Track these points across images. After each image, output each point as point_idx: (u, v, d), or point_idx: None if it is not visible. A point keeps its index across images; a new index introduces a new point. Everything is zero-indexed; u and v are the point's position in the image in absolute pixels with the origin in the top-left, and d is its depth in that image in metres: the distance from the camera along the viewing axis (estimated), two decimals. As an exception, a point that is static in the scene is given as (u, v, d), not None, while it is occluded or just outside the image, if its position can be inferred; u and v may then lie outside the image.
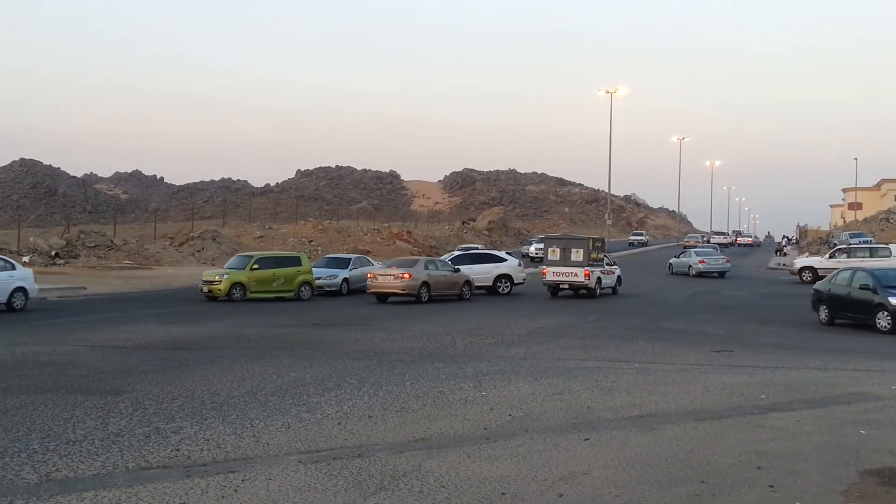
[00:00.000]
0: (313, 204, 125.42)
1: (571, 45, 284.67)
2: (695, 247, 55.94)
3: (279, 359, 13.40)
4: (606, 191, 67.44)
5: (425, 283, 26.20)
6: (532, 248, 53.33)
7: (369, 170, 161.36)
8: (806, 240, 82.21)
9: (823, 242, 55.59)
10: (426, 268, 27.05)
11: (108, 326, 18.34)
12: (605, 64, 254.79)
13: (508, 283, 30.38)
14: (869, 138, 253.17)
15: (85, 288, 29.15)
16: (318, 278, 29.26)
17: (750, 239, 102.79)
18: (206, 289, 26.51)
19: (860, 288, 19.25)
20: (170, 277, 35.47)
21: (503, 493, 6.32)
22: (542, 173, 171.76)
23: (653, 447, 7.77)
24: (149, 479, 6.62)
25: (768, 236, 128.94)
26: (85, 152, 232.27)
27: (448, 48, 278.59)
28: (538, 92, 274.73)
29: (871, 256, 36.24)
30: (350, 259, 31.94)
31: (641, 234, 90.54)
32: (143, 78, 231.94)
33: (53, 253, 40.00)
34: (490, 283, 30.04)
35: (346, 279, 29.88)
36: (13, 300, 21.87)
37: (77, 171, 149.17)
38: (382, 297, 26.52)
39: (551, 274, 29.35)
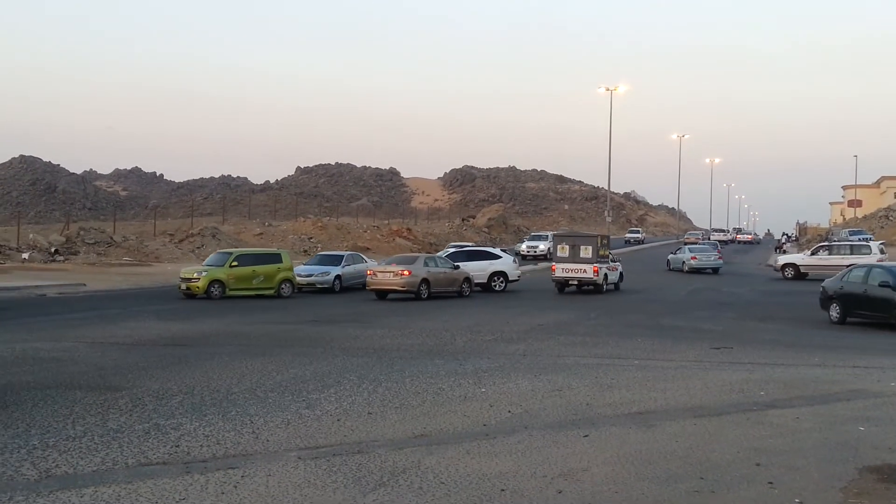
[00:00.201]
0: (313, 201, 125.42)
1: (572, 42, 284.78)
2: (695, 243, 56.51)
3: (278, 355, 13.41)
4: (606, 188, 67.36)
5: (425, 280, 26.20)
6: (524, 246, 52.80)
7: (369, 167, 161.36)
8: (806, 237, 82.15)
9: (823, 240, 55.85)
10: (426, 265, 27.03)
11: (108, 323, 18.36)
12: (606, 61, 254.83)
13: (503, 281, 30.42)
14: (869, 135, 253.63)
15: (85, 284, 29.17)
16: (311, 275, 29.09)
17: (750, 236, 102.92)
18: (183, 286, 25.98)
19: (879, 285, 18.86)
20: (169, 274, 35.33)
21: (502, 490, 6.33)
22: (541, 170, 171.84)
23: (652, 444, 7.77)
24: (148, 475, 6.63)
25: (768, 234, 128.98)
26: (84, 149, 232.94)
27: (448, 45, 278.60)
28: (538, 89, 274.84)
29: (851, 253, 36.93)
30: (343, 256, 31.51)
31: (637, 232, 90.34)
32: (142, 74, 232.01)
33: (53, 250, 39.98)
34: (485, 281, 30.05)
35: (338, 276, 29.51)
36: None
37: (77, 167, 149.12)
38: (382, 294, 26.51)
39: (560, 270, 29.70)
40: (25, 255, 37.48)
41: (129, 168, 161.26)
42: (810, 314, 21.83)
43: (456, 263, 28.80)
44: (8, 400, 9.48)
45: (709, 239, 76.31)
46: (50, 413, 8.85)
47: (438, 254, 33.95)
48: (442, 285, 27.06)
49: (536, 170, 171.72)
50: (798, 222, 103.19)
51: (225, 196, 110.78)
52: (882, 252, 37.14)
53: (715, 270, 43.75)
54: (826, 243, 43.90)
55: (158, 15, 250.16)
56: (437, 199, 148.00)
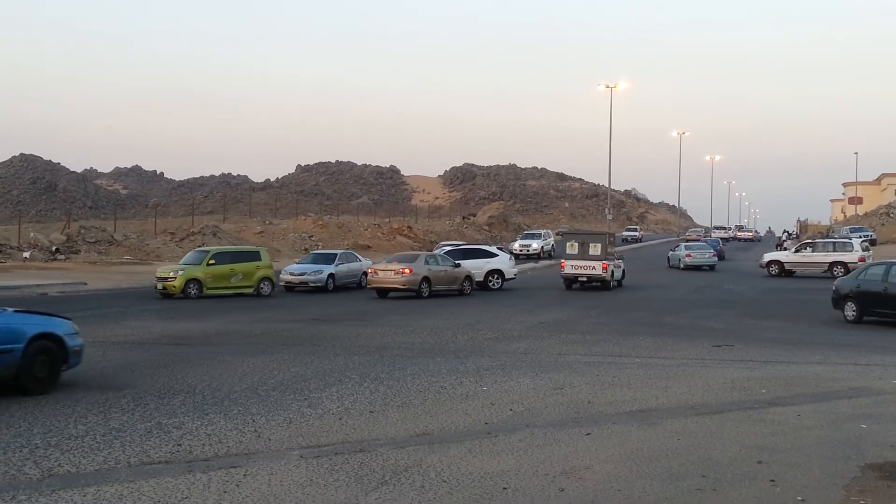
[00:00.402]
0: (313, 199, 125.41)
1: (572, 40, 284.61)
2: (697, 240, 57.01)
3: (280, 354, 13.42)
4: (607, 185, 67.38)
5: (426, 279, 26.20)
6: (517, 245, 52.52)
7: (369, 165, 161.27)
8: (806, 234, 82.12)
9: (824, 237, 56.25)
10: (426, 263, 27.02)
11: (109, 322, 18.36)
12: (606, 59, 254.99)
13: (500, 279, 30.44)
14: (869, 133, 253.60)
15: (86, 283, 29.18)
16: (303, 274, 28.90)
17: (750, 233, 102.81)
18: (160, 285, 25.52)
19: None
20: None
21: (504, 488, 6.33)
22: (542, 168, 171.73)
23: (654, 442, 7.78)
24: (150, 474, 6.64)
25: (769, 231, 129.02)
26: (85, 148, 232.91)
27: (448, 44, 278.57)
28: (538, 87, 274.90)
29: (833, 251, 37.85)
30: (336, 254, 31.07)
31: (635, 230, 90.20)
32: (142, 73, 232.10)
33: (54, 248, 40.00)
34: (482, 279, 30.02)
35: (331, 275, 29.11)
36: None
37: (77, 166, 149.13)
38: (383, 293, 26.52)
39: (570, 267, 30.19)
40: (26, 254, 37.49)
41: (129, 166, 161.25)
42: (813, 311, 21.83)
43: (456, 262, 28.79)
44: (10, 399, 9.49)
45: (710, 236, 76.45)
46: (52, 412, 8.86)
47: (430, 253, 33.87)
48: (443, 283, 27.06)
49: (537, 167, 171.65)
50: (799, 220, 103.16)
51: (225, 194, 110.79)
52: (865, 250, 37.55)
53: (711, 267, 44.80)
54: (809, 240, 45.27)
55: (158, 15, 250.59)
56: (437, 197, 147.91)
